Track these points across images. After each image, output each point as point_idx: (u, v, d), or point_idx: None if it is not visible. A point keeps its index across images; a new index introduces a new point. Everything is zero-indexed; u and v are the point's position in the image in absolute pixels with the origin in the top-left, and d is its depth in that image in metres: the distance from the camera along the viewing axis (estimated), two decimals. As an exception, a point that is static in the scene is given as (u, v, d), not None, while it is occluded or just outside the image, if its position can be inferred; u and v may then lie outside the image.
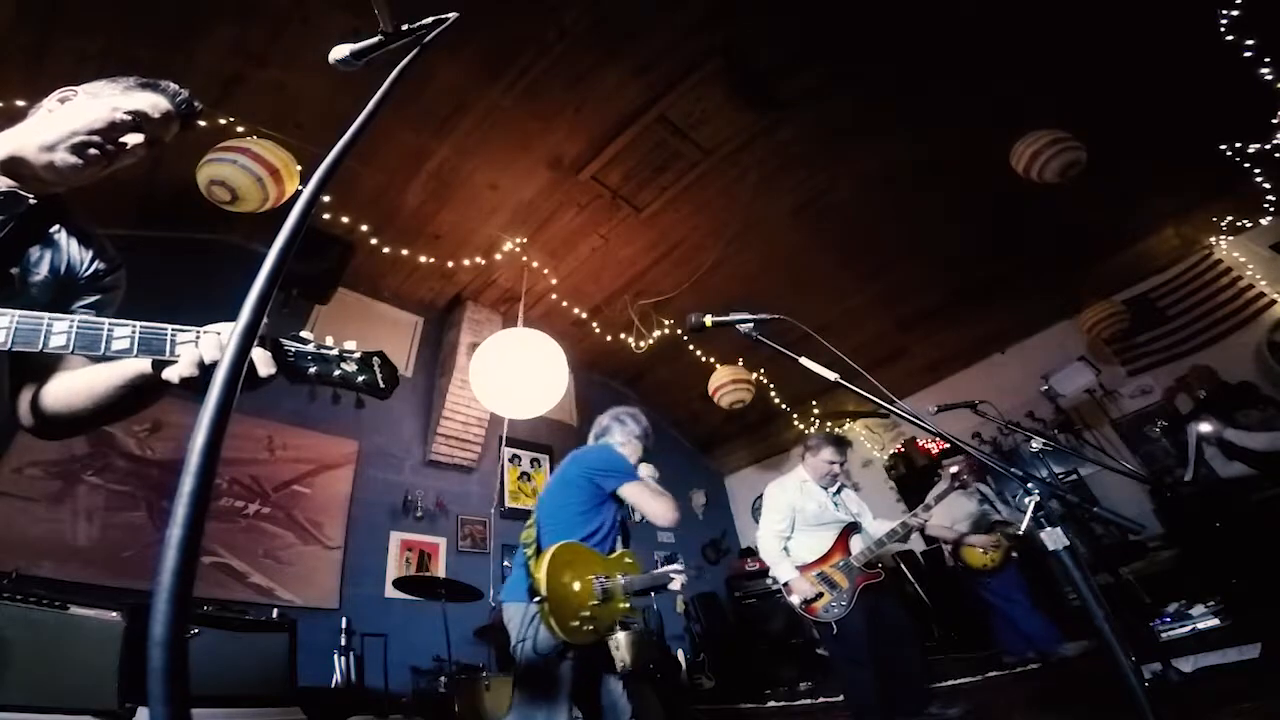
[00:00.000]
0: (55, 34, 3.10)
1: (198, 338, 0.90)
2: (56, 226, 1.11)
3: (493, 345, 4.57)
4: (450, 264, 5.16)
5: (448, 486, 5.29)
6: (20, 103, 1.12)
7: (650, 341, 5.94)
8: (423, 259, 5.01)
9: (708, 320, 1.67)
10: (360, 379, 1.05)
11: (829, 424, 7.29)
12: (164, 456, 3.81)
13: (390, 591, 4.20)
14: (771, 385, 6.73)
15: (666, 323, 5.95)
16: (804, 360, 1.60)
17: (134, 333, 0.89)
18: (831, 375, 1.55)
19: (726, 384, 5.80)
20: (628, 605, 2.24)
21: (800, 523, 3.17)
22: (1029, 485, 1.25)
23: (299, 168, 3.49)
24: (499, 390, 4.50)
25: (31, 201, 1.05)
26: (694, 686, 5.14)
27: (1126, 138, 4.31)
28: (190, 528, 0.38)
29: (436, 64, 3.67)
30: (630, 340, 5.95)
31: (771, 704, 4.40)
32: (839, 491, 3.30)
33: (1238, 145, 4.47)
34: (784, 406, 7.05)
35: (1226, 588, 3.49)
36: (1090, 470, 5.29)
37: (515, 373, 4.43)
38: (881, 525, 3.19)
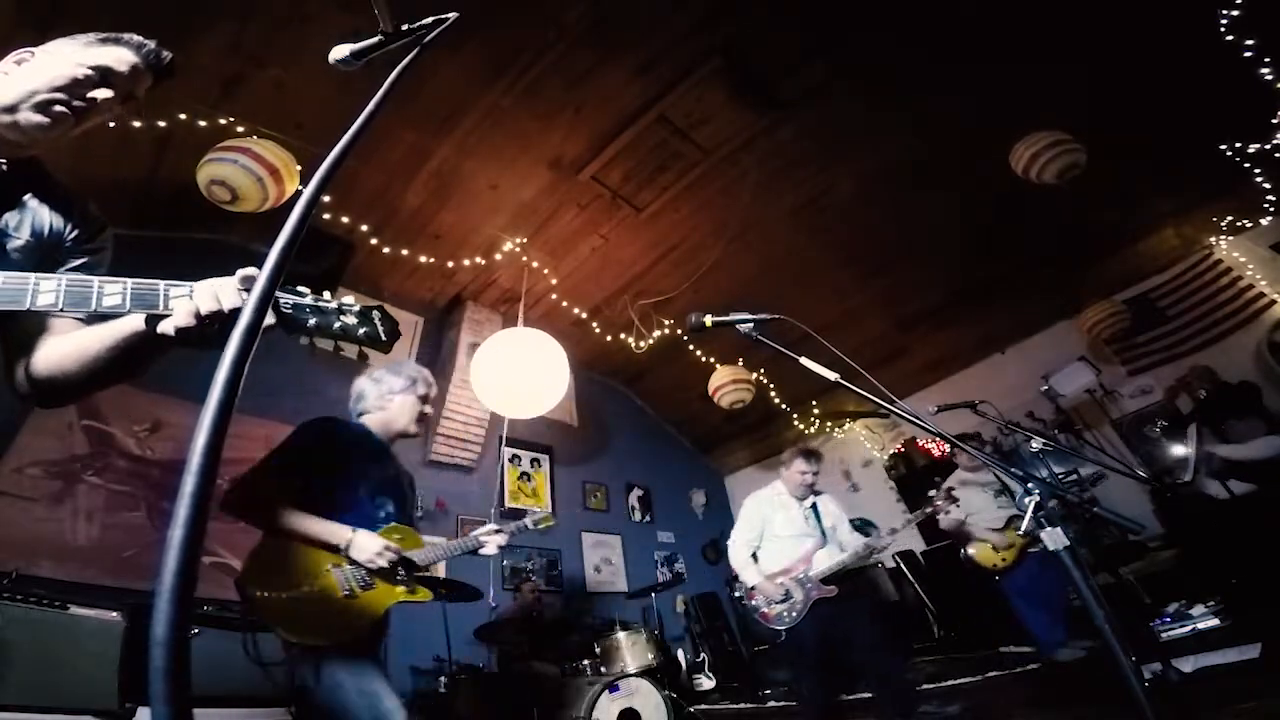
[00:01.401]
0: (55, 34, 3.10)
1: (191, 292, 0.90)
2: (32, 191, 1.09)
3: (493, 345, 4.57)
4: (450, 264, 5.16)
5: (448, 486, 5.29)
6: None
7: (650, 341, 5.94)
8: (423, 259, 5.01)
9: (708, 320, 1.67)
10: (361, 331, 1.04)
11: (829, 424, 7.29)
12: (164, 456, 3.81)
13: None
14: (771, 385, 6.73)
15: (666, 323, 5.95)
16: (804, 360, 1.60)
17: (126, 289, 0.89)
18: (831, 375, 1.55)
19: (726, 384, 5.80)
20: (405, 589, 1.90)
21: (769, 534, 3.35)
22: (1029, 485, 1.25)
23: (299, 168, 3.49)
24: (499, 390, 4.50)
25: (3, 167, 1.04)
26: (693, 686, 5.14)
27: (1126, 138, 4.30)
28: (192, 527, 0.38)
29: (437, 64, 3.66)
30: (630, 340, 5.95)
31: (771, 704, 4.40)
32: (814, 505, 3.40)
33: (1238, 145, 4.47)
34: (784, 406, 7.05)
35: (1226, 588, 3.48)
36: (1090, 470, 5.29)
37: (515, 373, 4.43)
38: (851, 539, 3.29)
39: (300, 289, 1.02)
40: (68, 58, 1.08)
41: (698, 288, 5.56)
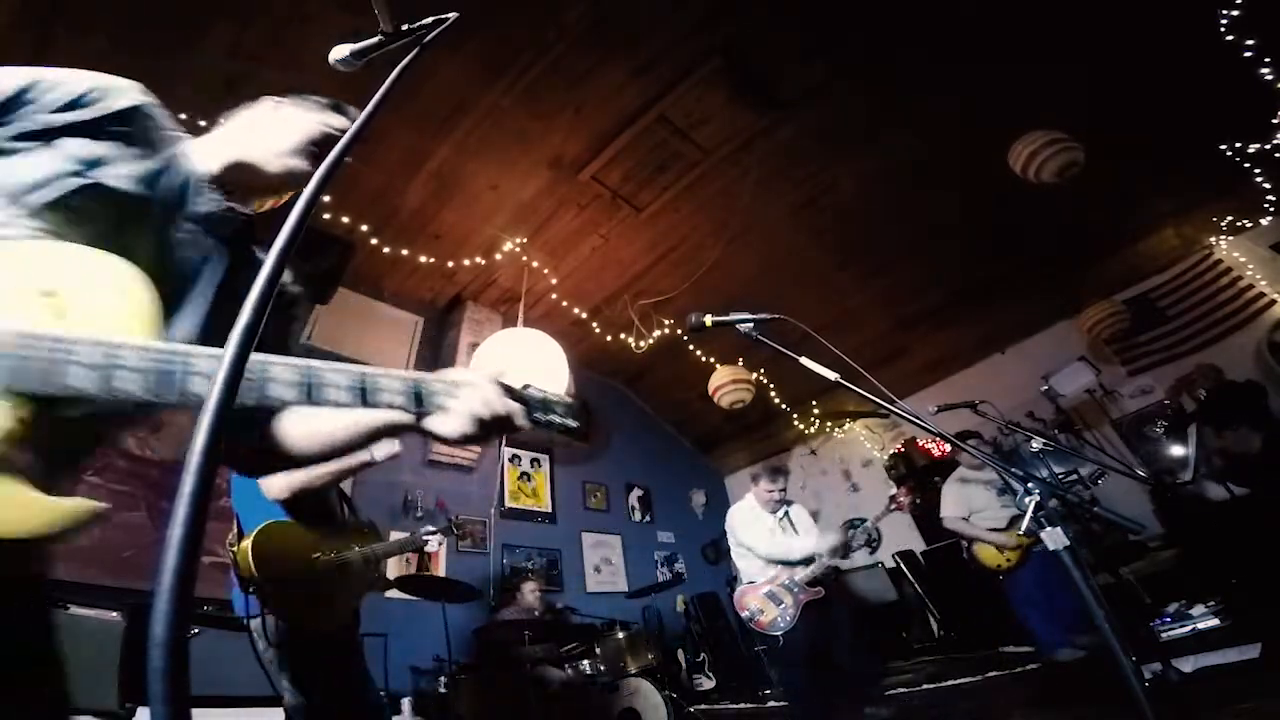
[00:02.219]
0: (55, 32, 3.10)
1: (461, 394, 0.86)
2: (259, 248, 1.06)
3: (493, 345, 4.57)
4: (450, 264, 5.16)
5: (447, 486, 5.28)
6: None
7: (650, 341, 5.94)
8: (423, 259, 5.01)
9: (708, 320, 1.67)
10: (574, 426, 1.05)
11: (829, 424, 7.29)
12: (164, 456, 3.81)
13: (390, 591, 4.19)
14: (771, 385, 6.72)
15: (666, 323, 5.95)
16: (804, 360, 1.60)
17: (408, 387, 0.82)
18: (832, 375, 1.55)
19: (726, 384, 5.80)
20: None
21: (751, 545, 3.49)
22: (1029, 485, 1.25)
23: (299, 168, 3.49)
24: (499, 390, 4.50)
25: (246, 217, 1.01)
26: (693, 686, 5.14)
27: (1126, 138, 4.30)
28: (191, 527, 0.38)
29: (436, 64, 3.66)
30: (630, 340, 5.95)
31: (771, 704, 4.39)
32: (785, 514, 3.58)
33: (1238, 145, 4.46)
34: (784, 406, 7.05)
35: (1226, 588, 3.48)
36: (1090, 470, 5.29)
37: (515, 372, 4.42)
38: (825, 543, 3.38)
39: (530, 386, 1.03)
40: (314, 116, 1.10)
41: (698, 288, 5.56)
